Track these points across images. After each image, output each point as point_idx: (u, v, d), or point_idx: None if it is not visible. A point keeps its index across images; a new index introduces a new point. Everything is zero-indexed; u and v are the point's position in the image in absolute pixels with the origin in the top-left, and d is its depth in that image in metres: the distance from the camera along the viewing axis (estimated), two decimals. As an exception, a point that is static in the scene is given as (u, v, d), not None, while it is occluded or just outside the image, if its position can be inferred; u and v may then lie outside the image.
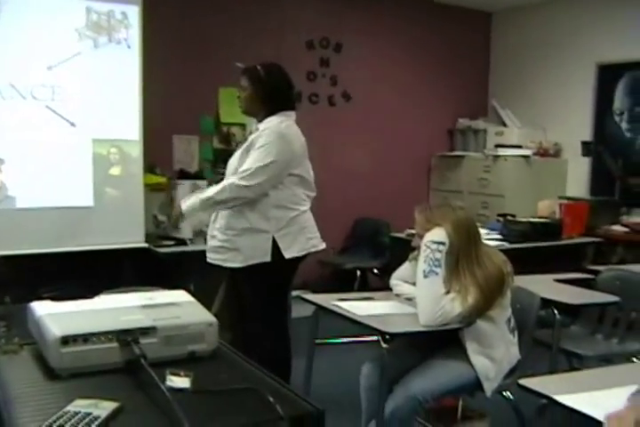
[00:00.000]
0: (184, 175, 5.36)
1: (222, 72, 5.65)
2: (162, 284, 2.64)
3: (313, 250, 3.70)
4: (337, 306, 3.15)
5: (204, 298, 2.32)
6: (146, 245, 4.79)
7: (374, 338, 2.89)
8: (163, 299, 2.10)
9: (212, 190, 3.54)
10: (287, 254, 3.56)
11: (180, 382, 1.72)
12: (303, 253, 3.63)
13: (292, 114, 3.67)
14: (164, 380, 1.69)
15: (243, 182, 3.44)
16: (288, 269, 3.66)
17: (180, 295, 2.17)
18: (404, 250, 3.43)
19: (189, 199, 3.63)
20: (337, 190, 6.15)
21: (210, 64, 5.69)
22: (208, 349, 1.97)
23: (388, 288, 3.43)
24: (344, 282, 5.92)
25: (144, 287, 2.58)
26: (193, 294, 2.17)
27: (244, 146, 3.58)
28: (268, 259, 3.53)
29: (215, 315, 2.03)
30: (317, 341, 3.49)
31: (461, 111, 7.30)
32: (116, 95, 4.67)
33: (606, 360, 3.73)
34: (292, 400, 1.68)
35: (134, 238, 4.76)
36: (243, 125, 5.90)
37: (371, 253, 6.25)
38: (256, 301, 3.61)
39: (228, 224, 3.61)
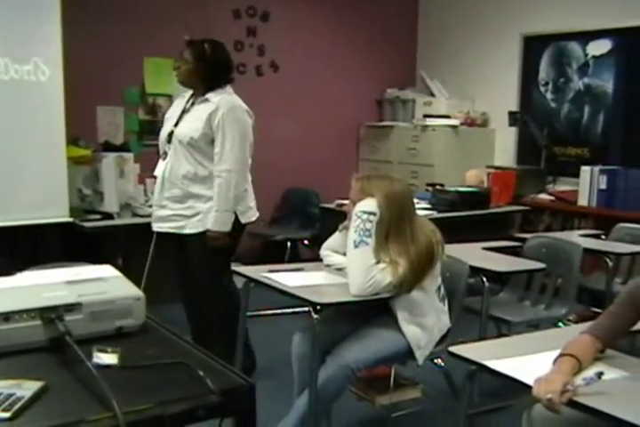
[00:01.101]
0: (109, 147, 5.23)
1: (147, 42, 5.57)
2: (89, 259, 2.57)
3: (257, 215, 3.93)
4: (267, 278, 3.12)
5: (133, 272, 2.27)
6: (71, 219, 4.67)
7: (306, 309, 2.88)
8: (88, 274, 2.05)
9: (222, 190, 3.62)
10: (244, 220, 3.78)
11: (107, 358, 1.68)
12: (254, 218, 3.87)
13: (230, 87, 3.79)
14: (90, 357, 1.65)
15: (238, 166, 3.63)
16: (238, 235, 3.82)
17: (106, 270, 2.12)
18: (334, 220, 3.42)
19: (212, 219, 3.65)
20: (266, 161, 6.04)
21: (134, 34, 5.56)
22: (136, 324, 1.92)
23: (318, 259, 3.42)
24: (275, 254, 5.89)
25: (69, 263, 2.52)
26: (121, 269, 2.12)
27: (203, 117, 3.62)
28: None
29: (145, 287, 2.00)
30: (249, 313, 3.47)
31: (390, 81, 7.28)
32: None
33: (534, 326, 3.82)
34: (222, 374, 1.65)
35: (58, 213, 4.63)
36: (169, 96, 5.79)
37: (301, 224, 6.24)
38: (210, 267, 3.72)
39: (183, 193, 3.71)
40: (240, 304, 3.65)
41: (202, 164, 3.67)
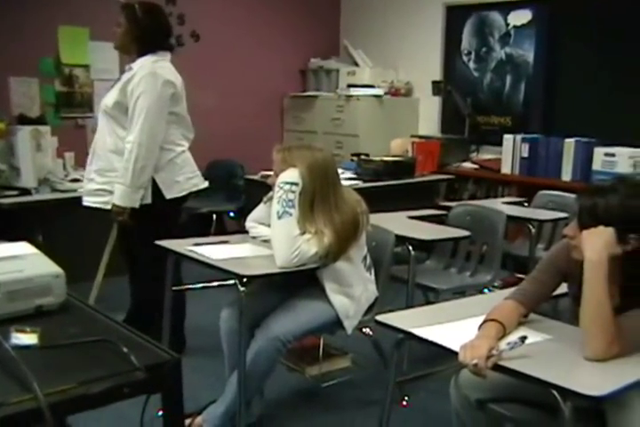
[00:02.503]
0: (24, 120, 5.05)
1: (61, 10, 5.38)
2: (7, 236, 2.49)
3: (194, 189, 3.75)
4: (192, 251, 3.08)
5: (53, 249, 2.20)
6: (-14, 196, 4.52)
7: (232, 282, 2.85)
8: (3, 252, 1.97)
9: (124, 163, 3.46)
10: (168, 195, 3.60)
11: (26, 338, 1.62)
12: (184, 193, 3.68)
13: (168, 54, 3.64)
14: (8, 338, 1.59)
15: (144, 139, 3.43)
16: (171, 211, 3.70)
17: (23, 247, 2.05)
18: (259, 192, 3.40)
19: (115, 191, 3.50)
20: (190, 134, 6.01)
21: (47, 1, 5.35)
22: (56, 302, 1.86)
23: (244, 231, 3.39)
24: (200, 227, 5.83)
25: (-16, 242, 2.43)
26: (41, 246, 2.05)
27: (119, 85, 3.52)
28: (148, 200, 3.54)
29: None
30: (175, 287, 3.42)
31: (313, 51, 7.24)
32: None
33: (460, 293, 3.87)
34: (147, 350, 1.61)
35: (-28, 189, 4.47)
36: (86, 67, 5.63)
37: (226, 197, 6.19)
38: (143, 243, 3.55)
39: (108, 166, 3.57)
40: (180, 279, 3.65)
41: (120, 136, 3.53)
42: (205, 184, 3.84)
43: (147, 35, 3.56)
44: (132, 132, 3.45)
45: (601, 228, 2.01)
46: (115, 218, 3.54)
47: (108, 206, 3.60)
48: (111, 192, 3.57)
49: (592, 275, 1.99)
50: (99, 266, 4.37)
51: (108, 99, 3.55)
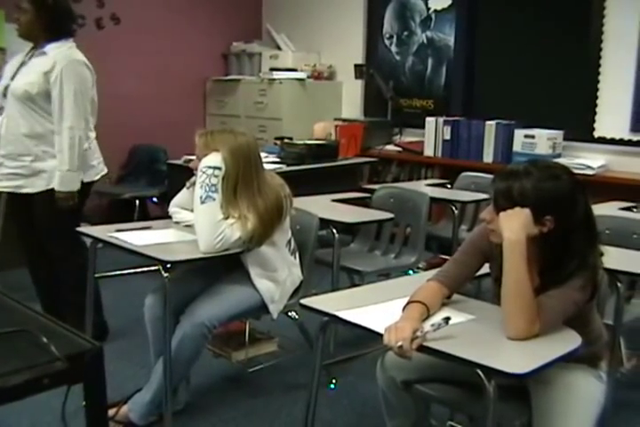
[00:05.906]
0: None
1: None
2: None
3: (103, 173, 3.81)
4: (114, 237, 3.02)
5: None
6: None
7: (156, 268, 2.81)
8: None
9: (67, 149, 3.47)
10: (86, 178, 3.64)
11: (-61, 330, 1.57)
12: (98, 176, 3.75)
13: (72, 40, 3.63)
14: None
15: (79, 123, 3.48)
16: (83, 194, 3.68)
17: None
18: (182, 177, 3.35)
19: (58, 179, 3.50)
20: (110, 118, 5.78)
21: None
22: (-30, 292, 1.81)
23: (168, 216, 3.35)
24: (123, 212, 5.75)
25: None
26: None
27: (37, 71, 3.46)
28: None
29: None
30: (97, 274, 3.36)
31: (235, 35, 7.18)
32: None
33: (385, 275, 3.90)
34: (67, 339, 1.58)
35: None
36: (1, 50, 5.45)
37: (148, 182, 6.12)
38: (57, 225, 3.58)
39: (21, 150, 3.54)
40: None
41: (38, 120, 3.51)
42: (106, 169, 3.87)
43: (57, 22, 3.54)
44: (67, 117, 3.46)
45: (517, 209, 2.03)
46: (63, 204, 3.52)
47: (24, 190, 3.59)
48: (25, 175, 3.56)
49: (511, 255, 2.02)
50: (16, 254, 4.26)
51: (25, 84, 3.47)
